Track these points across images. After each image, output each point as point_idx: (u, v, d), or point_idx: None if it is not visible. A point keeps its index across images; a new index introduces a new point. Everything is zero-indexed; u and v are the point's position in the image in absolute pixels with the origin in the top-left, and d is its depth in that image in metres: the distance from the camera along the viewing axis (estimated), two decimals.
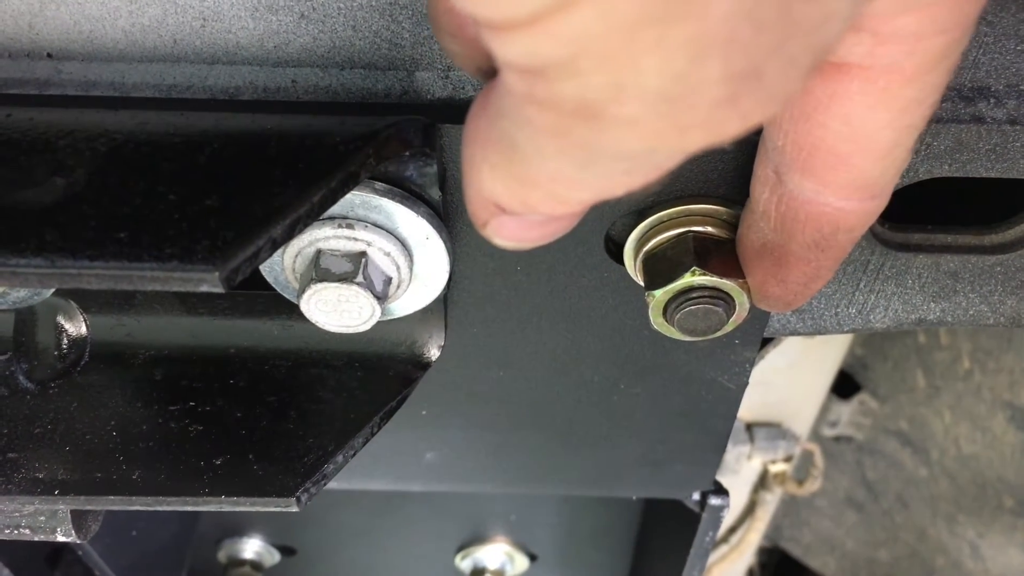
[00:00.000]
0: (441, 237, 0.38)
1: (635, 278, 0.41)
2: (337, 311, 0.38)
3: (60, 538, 0.41)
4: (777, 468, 1.16)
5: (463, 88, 0.38)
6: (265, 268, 0.40)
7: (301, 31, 0.37)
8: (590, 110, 0.21)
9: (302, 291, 0.37)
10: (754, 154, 0.34)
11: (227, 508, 0.39)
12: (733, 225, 0.39)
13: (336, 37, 0.37)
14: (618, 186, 0.25)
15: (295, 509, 0.39)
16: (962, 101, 0.37)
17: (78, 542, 0.42)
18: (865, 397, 1.18)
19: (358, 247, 0.37)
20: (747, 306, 0.38)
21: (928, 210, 0.45)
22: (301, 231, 0.31)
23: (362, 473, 0.57)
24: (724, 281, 0.38)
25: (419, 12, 0.36)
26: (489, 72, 0.29)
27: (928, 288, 0.44)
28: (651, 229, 0.40)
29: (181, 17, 0.36)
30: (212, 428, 0.41)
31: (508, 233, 0.29)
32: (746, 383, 0.49)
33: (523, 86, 0.22)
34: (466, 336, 0.46)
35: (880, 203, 0.31)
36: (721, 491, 0.59)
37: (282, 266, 0.39)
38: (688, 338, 0.40)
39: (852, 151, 0.28)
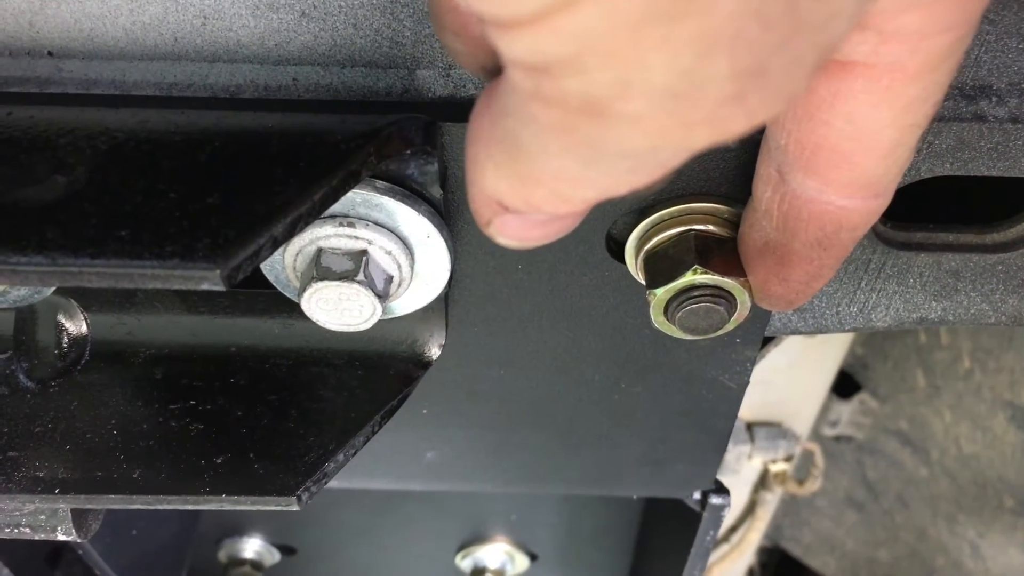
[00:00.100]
0: (442, 235, 0.38)
1: (636, 277, 0.41)
2: (338, 310, 0.38)
3: (61, 537, 0.41)
4: (777, 468, 1.16)
5: (464, 86, 0.38)
6: (266, 267, 0.40)
7: (302, 29, 0.37)
8: (596, 107, 0.21)
9: (303, 289, 0.37)
10: (756, 153, 0.34)
11: (228, 507, 0.39)
12: (734, 224, 0.39)
13: (337, 35, 0.37)
14: (622, 184, 0.25)
15: (296, 508, 0.39)
16: (964, 99, 0.37)
17: (79, 541, 0.42)
18: (865, 397, 1.18)
19: (359, 245, 0.37)
20: (748, 305, 0.38)
21: (930, 209, 0.45)
22: (302, 229, 0.31)
23: (363, 472, 0.57)
24: (726, 280, 0.38)
25: (420, 10, 0.36)
26: (492, 70, 0.29)
27: (929, 287, 0.44)
28: (652, 228, 0.40)
29: (182, 15, 0.36)
30: (213, 427, 0.41)
31: (511, 232, 0.29)
32: (747, 382, 0.49)
33: (528, 83, 0.22)
34: (467, 335, 0.46)
35: (883, 202, 0.31)
36: (722, 490, 0.59)
37: (283, 264, 0.39)
38: (689, 337, 0.40)
39: (855, 149, 0.28)
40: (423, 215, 0.37)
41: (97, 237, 0.29)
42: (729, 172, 0.38)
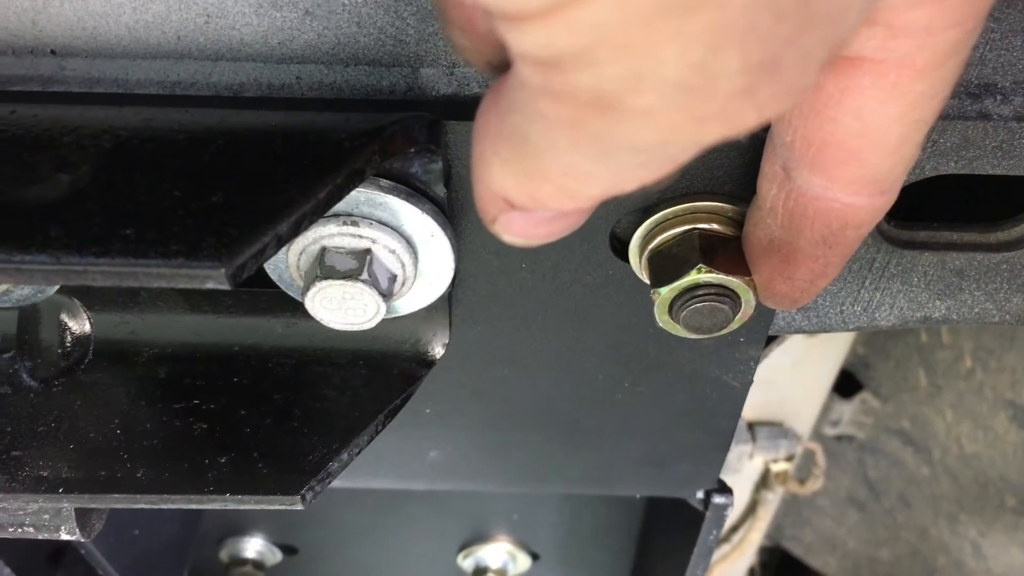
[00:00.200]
0: (446, 234, 0.38)
1: (640, 276, 0.41)
2: (342, 309, 0.38)
3: (64, 536, 0.41)
4: (779, 467, 1.16)
5: (468, 85, 0.38)
6: (269, 266, 0.40)
7: (305, 27, 0.37)
8: (606, 101, 0.21)
9: (307, 289, 0.37)
10: (760, 151, 0.34)
11: (232, 507, 0.39)
12: (739, 222, 0.39)
13: (341, 33, 0.37)
14: (630, 180, 0.24)
15: (300, 507, 0.39)
16: (969, 98, 0.37)
17: (82, 540, 0.42)
18: (867, 396, 1.18)
19: (363, 244, 0.37)
20: (753, 303, 0.38)
21: (934, 208, 0.45)
22: (306, 228, 0.31)
23: (365, 471, 0.57)
24: (730, 278, 0.37)
25: (424, 8, 0.36)
26: (499, 66, 0.29)
27: (934, 286, 0.44)
28: (656, 226, 0.40)
29: (185, 13, 0.36)
30: (216, 426, 0.41)
31: (516, 229, 0.29)
32: (751, 381, 0.49)
33: (538, 78, 0.22)
34: (470, 334, 0.46)
35: (889, 199, 0.31)
36: (725, 489, 0.59)
37: (286, 264, 0.39)
38: (694, 336, 0.40)
39: (862, 146, 0.28)
40: (427, 214, 0.37)
41: (102, 236, 0.29)
42: (733, 171, 0.38)
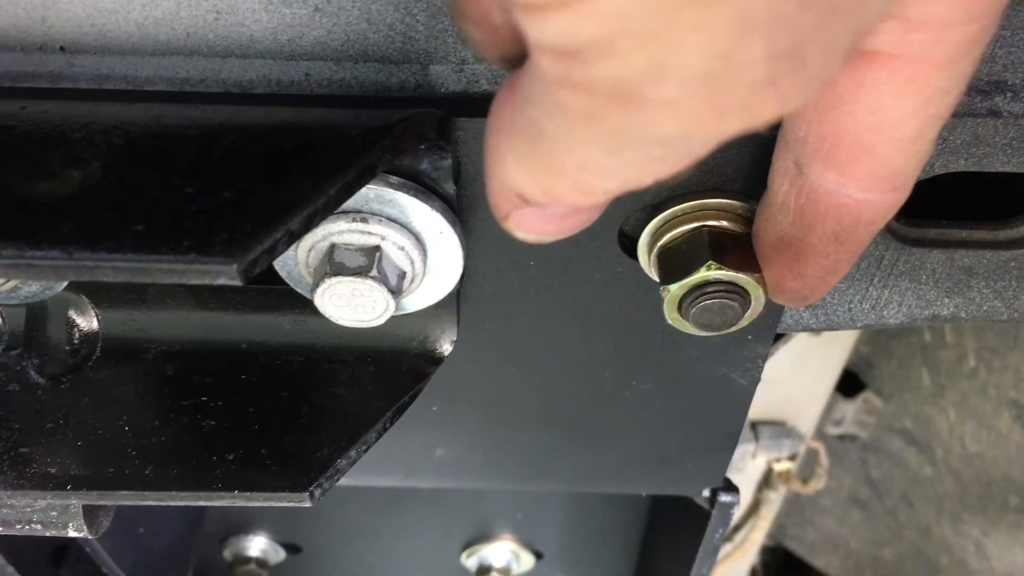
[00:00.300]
0: (455, 231, 0.38)
1: (649, 273, 0.41)
2: (351, 305, 0.38)
3: (72, 533, 0.41)
4: (781, 466, 1.16)
5: (477, 81, 0.38)
6: (278, 263, 0.40)
7: (315, 24, 0.37)
8: (627, 92, 0.21)
9: (316, 285, 0.37)
10: (770, 148, 0.34)
11: (240, 503, 0.39)
12: (748, 219, 0.39)
13: (350, 30, 0.37)
14: (647, 174, 0.24)
15: (308, 504, 0.39)
16: (979, 95, 0.37)
17: (89, 537, 0.41)
18: (870, 396, 1.18)
19: (372, 241, 0.37)
20: (763, 300, 0.38)
21: (943, 205, 0.44)
22: (317, 224, 0.31)
23: (372, 469, 0.57)
24: (740, 275, 0.37)
25: (433, 5, 0.36)
26: (513, 60, 0.29)
27: (942, 283, 0.44)
28: (666, 223, 0.40)
29: (195, 10, 0.36)
30: (224, 423, 0.41)
31: (529, 226, 0.29)
32: (758, 379, 0.49)
33: (557, 69, 0.22)
34: (478, 331, 0.46)
35: (902, 195, 0.31)
36: (731, 488, 0.59)
37: (295, 260, 0.39)
38: (703, 333, 0.40)
39: (876, 141, 0.28)
40: (436, 211, 0.37)
41: (113, 231, 0.29)
42: (743, 168, 0.38)
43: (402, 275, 0.38)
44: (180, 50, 0.37)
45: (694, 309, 0.38)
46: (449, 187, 0.38)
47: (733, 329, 0.39)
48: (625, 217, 0.41)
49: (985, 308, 0.45)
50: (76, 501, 0.40)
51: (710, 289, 0.38)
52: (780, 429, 1.12)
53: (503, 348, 0.47)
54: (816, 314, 0.46)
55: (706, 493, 0.60)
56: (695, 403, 0.50)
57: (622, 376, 0.48)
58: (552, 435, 0.53)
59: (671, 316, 0.40)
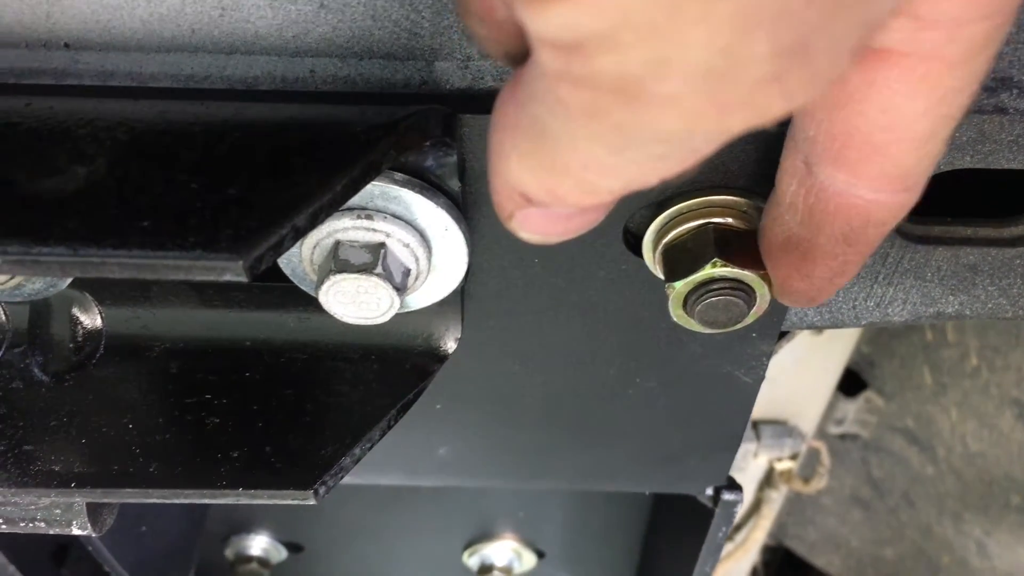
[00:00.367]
0: (460, 228, 0.38)
1: (654, 271, 0.41)
2: (356, 303, 0.38)
3: (76, 531, 0.41)
4: (783, 466, 1.16)
5: (482, 78, 0.38)
6: (283, 260, 0.40)
7: (320, 20, 0.37)
8: (629, 88, 0.21)
9: (320, 282, 0.37)
10: (776, 145, 0.33)
11: (244, 501, 0.39)
12: (754, 217, 0.39)
13: (355, 27, 0.37)
14: (652, 173, 0.24)
15: (313, 502, 0.39)
16: (985, 91, 0.37)
17: (93, 535, 0.41)
18: (871, 395, 1.18)
19: (377, 238, 0.37)
20: (768, 298, 0.38)
21: (948, 202, 0.44)
22: (323, 220, 0.31)
23: (374, 468, 0.57)
24: (745, 273, 0.37)
25: (439, 1, 0.36)
26: (517, 56, 0.28)
27: (947, 281, 0.44)
28: (671, 221, 0.39)
29: (200, 6, 0.36)
30: (228, 421, 0.41)
31: (534, 226, 0.29)
32: (763, 377, 0.48)
33: (559, 63, 0.22)
34: (482, 329, 0.46)
35: (913, 196, 0.30)
36: (734, 486, 0.59)
37: (300, 257, 0.39)
38: (708, 330, 0.40)
39: (888, 141, 0.28)
40: (441, 208, 0.37)
41: (119, 228, 0.29)
42: (748, 165, 0.38)
43: (407, 272, 0.38)
44: (185, 46, 0.37)
45: (699, 306, 0.38)
46: (454, 184, 0.38)
47: (738, 326, 0.39)
48: (630, 214, 0.40)
49: (990, 306, 0.45)
50: (80, 499, 0.40)
51: (715, 286, 0.38)
52: (782, 428, 1.12)
53: (507, 345, 0.47)
54: (821, 312, 0.46)
55: (709, 491, 0.59)
56: (699, 401, 0.50)
57: (626, 374, 0.48)
58: (556, 433, 0.53)
59: (676, 313, 0.40)
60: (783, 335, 0.69)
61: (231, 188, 0.30)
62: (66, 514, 0.41)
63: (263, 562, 0.85)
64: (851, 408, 1.19)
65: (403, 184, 0.36)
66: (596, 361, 0.48)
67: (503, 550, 0.85)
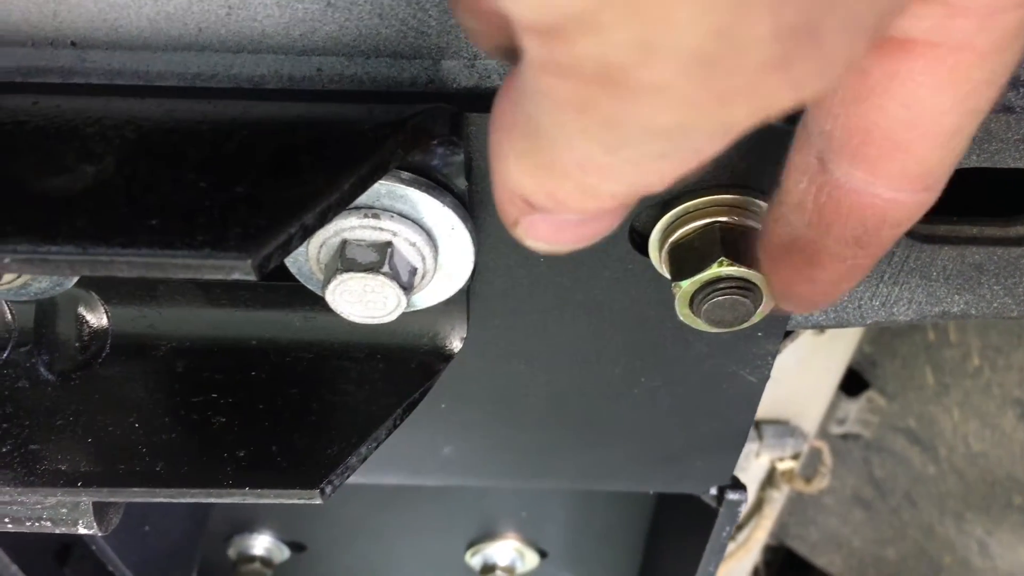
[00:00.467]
0: (467, 227, 0.38)
1: (660, 270, 0.41)
2: (362, 302, 0.38)
3: (82, 530, 0.41)
4: (785, 466, 1.16)
5: (489, 77, 0.38)
6: (289, 259, 0.40)
7: (327, 19, 0.37)
8: (614, 76, 0.19)
9: (327, 282, 0.37)
10: (785, 142, 0.33)
11: (251, 500, 0.39)
12: (761, 216, 0.38)
13: (362, 25, 0.37)
14: (652, 174, 0.22)
15: (319, 501, 0.39)
16: None
17: (99, 534, 0.41)
18: (873, 395, 1.18)
19: (384, 237, 0.37)
20: None
21: (953, 201, 0.44)
22: (331, 219, 0.31)
23: (379, 467, 0.57)
24: (752, 272, 0.37)
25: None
26: (509, 51, 0.27)
27: (953, 280, 0.44)
28: (677, 220, 0.39)
29: (207, 5, 0.36)
30: (234, 420, 0.41)
31: (539, 234, 0.27)
32: (768, 376, 0.48)
33: (541, 51, 0.20)
34: (488, 328, 0.46)
35: (933, 195, 0.28)
36: (738, 486, 0.59)
37: (306, 256, 0.39)
38: (714, 330, 0.40)
39: (911, 138, 0.26)
40: (448, 207, 0.37)
41: (127, 226, 0.29)
42: (756, 162, 0.38)
43: (413, 271, 0.38)
44: (192, 45, 0.37)
45: (706, 306, 0.38)
46: (461, 183, 0.38)
47: (744, 326, 0.39)
48: (636, 213, 0.40)
49: (995, 305, 0.45)
50: (86, 498, 0.40)
51: (722, 285, 0.38)
52: (784, 428, 1.12)
53: (513, 345, 0.47)
54: (826, 311, 0.46)
55: (713, 491, 0.59)
56: (704, 401, 0.50)
57: (631, 373, 0.48)
58: (561, 432, 0.53)
59: (683, 312, 0.40)
60: (787, 335, 0.69)
61: (239, 186, 0.30)
62: (72, 513, 0.41)
63: (266, 562, 0.85)
64: (853, 408, 1.19)
65: (410, 183, 0.36)
66: (601, 360, 0.48)
67: (506, 550, 0.85)
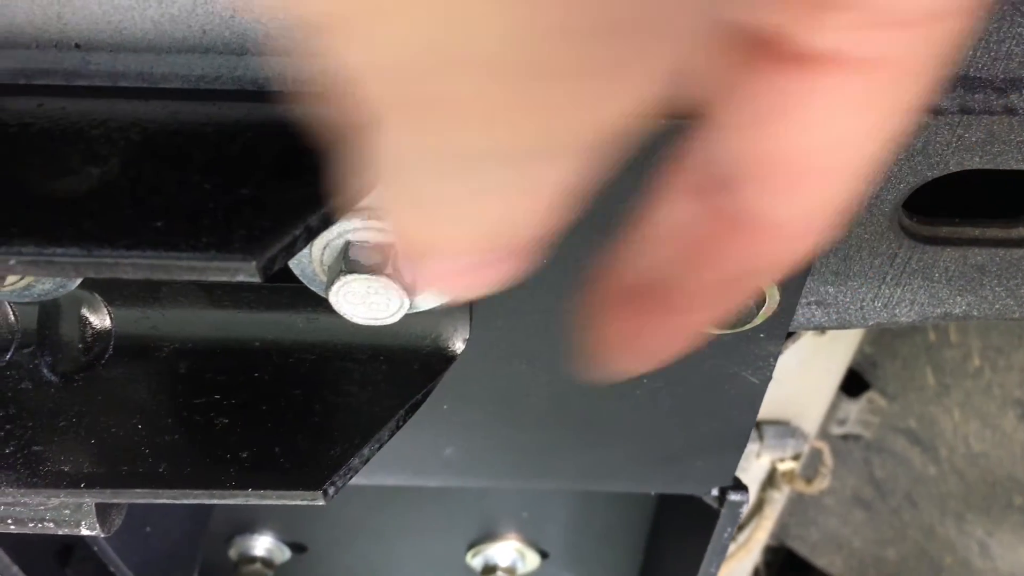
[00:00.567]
0: None
1: None
2: (366, 303, 0.38)
3: (84, 531, 0.41)
4: (785, 466, 1.16)
5: None
6: (292, 261, 0.40)
7: None
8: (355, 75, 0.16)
9: (331, 283, 0.37)
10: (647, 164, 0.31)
11: (254, 501, 0.39)
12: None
13: None
14: (517, 210, 0.18)
15: (322, 503, 0.39)
16: (994, 92, 0.37)
17: (102, 536, 0.41)
18: (874, 395, 1.18)
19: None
20: (777, 298, 0.38)
21: (955, 202, 0.45)
22: (335, 221, 0.31)
23: (380, 468, 0.57)
24: None
25: None
26: None
27: (955, 281, 0.44)
28: None
29: (211, 7, 0.36)
30: (237, 421, 0.41)
31: (432, 280, 0.22)
32: (770, 377, 0.49)
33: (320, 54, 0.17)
34: (490, 329, 0.46)
35: (836, 231, 0.25)
36: (740, 487, 0.59)
37: (310, 258, 0.39)
38: (717, 331, 0.40)
39: (817, 165, 0.21)
40: None
41: (132, 228, 0.29)
42: None
43: None
44: (196, 47, 0.37)
45: None
46: None
47: (747, 327, 0.40)
48: None
49: (998, 306, 0.45)
50: (89, 499, 0.40)
51: None
52: (784, 429, 1.12)
53: (514, 345, 0.47)
54: (828, 313, 0.46)
55: (715, 492, 0.60)
56: (706, 402, 0.50)
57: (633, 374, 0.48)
58: (562, 433, 0.53)
59: None
60: (788, 335, 0.69)
61: (244, 188, 0.30)
62: (75, 514, 0.41)
63: (267, 562, 0.85)
64: (853, 408, 1.19)
65: None
66: None
67: (507, 550, 0.85)
